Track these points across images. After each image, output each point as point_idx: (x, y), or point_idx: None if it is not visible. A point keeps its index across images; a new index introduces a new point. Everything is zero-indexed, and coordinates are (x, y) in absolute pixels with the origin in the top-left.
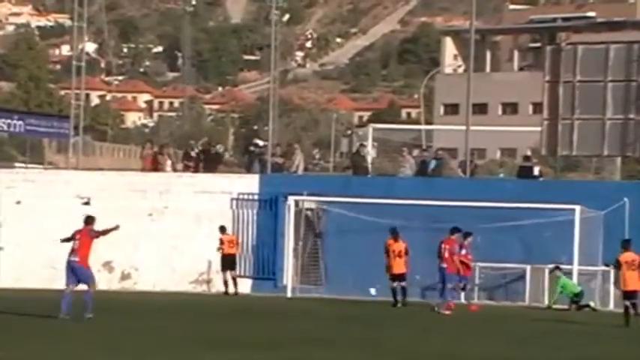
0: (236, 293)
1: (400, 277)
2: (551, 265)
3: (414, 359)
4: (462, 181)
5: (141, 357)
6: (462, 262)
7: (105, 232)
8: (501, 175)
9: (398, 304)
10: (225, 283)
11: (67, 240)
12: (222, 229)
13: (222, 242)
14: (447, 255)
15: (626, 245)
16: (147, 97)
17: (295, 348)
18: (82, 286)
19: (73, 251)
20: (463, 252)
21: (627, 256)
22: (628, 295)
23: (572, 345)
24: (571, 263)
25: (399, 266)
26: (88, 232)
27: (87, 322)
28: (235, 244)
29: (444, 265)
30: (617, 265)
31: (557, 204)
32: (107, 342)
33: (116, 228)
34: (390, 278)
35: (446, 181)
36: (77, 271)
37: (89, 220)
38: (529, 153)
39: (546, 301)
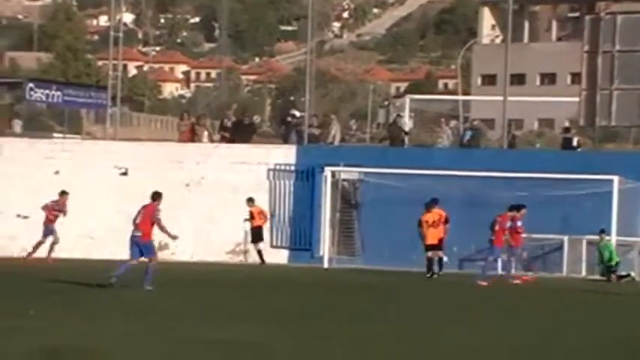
0: (262, 263)
1: (434, 247)
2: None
3: (445, 335)
4: (499, 151)
5: (178, 328)
6: (516, 233)
7: (163, 229)
8: (538, 146)
9: (434, 275)
10: (259, 252)
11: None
12: (250, 200)
13: (252, 215)
14: (497, 228)
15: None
16: (184, 67)
17: (329, 321)
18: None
19: (136, 226)
20: (519, 224)
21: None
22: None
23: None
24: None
25: (432, 236)
26: (152, 210)
27: (146, 294)
28: (264, 216)
29: (492, 238)
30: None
31: (595, 175)
32: (137, 311)
33: (174, 238)
34: (424, 249)
35: (483, 151)
36: (140, 246)
37: (155, 195)
38: (567, 124)
39: (584, 272)
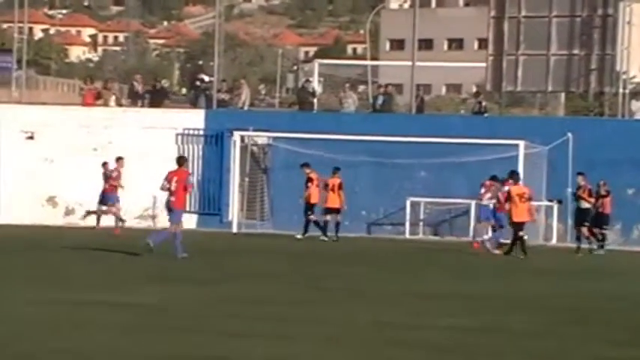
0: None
1: (333, 211)
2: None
3: (355, 293)
4: (408, 116)
5: (85, 292)
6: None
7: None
8: (462, 112)
9: (328, 239)
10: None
11: (167, 189)
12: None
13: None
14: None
15: (516, 178)
16: (91, 31)
17: (238, 283)
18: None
19: (170, 193)
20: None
21: (518, 189)
22: (518, 225)
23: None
24: None
25: (332, 200)
26: (185, 176)
27: (181, 261)
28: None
29: (497, 206)
30: (509, 197)
31: (501, 139)
32: (49, 277)
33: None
34: (323, 212)
35: (392, 116)
36: (169, 210)
37: (181, 160)
38: (475, 89)
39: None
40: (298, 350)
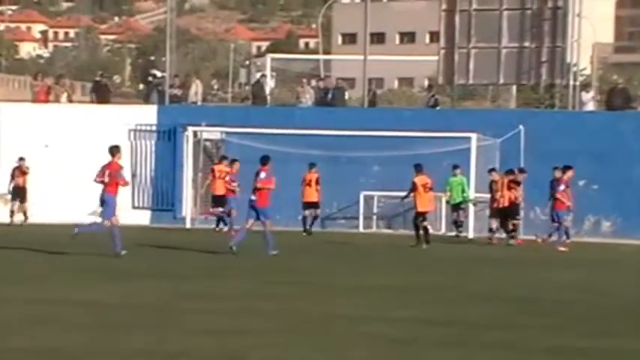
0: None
1: (313, 205)
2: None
3: (311, 287)
4: (361, 110)
5: (43, 289)
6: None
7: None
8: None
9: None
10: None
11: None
12: (21, 159)
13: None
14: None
15: (419, 169)
16: (41, 27)
17: (196, 278)
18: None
19: (253, 190)
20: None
21: (422, 179)
22: (422, 215)
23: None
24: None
25: (310, 194)
26: (268, 172)
27: (272, 258)
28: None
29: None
30: (414, 188)
31: (454, 132)
32: (6, 275)
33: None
34: (302, 206)
35: (345, 110)
36: (256, 209)
37: (265, 159)
38: (427, 82)
39: (444, 229)
40: (258, 344)
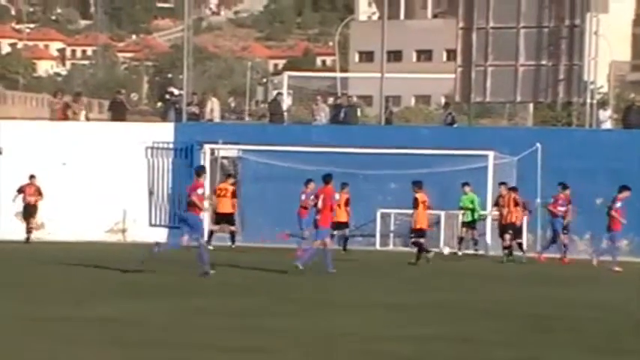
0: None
1: (343, 226)
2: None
3: (324, 304)
4: (377, 128)
5: (58, 306)
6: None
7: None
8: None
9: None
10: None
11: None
12: (31, 177)
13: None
14: (612, 213)
15: (419, 186)
16: (59, 45)
17: (211, 295)
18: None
19: (317, 211)
20: (618, 205)
21: (422, 196)
22: (421, 232)
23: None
24: (485, 208)
25: (340, 215)
26: (330, 193)
27: (328, 275)
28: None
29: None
30: (416, 205)
31: (471, 150)
32: (23, 291)
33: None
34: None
35: (361, 128)
36: (316, 228)
37: (328, 178)
38: (444, 100)
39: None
40: None
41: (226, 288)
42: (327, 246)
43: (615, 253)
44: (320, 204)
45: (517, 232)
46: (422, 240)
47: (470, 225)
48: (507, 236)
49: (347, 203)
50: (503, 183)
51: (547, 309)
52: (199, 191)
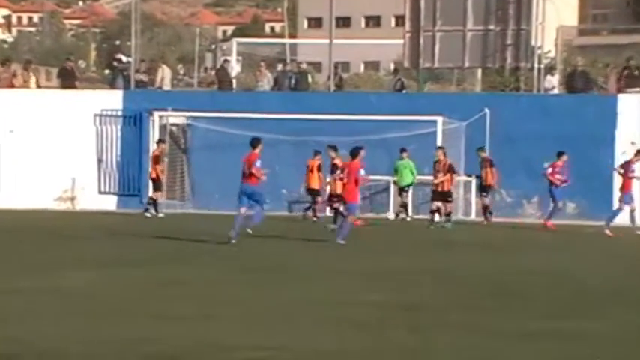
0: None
1: (315, 192)
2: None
3: (279, 271)
4: (327, 94)
5: (12, 277)
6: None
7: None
8: (427, 89)
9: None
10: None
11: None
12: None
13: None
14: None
15: (335, 149)
16: (5, 11)
17: (163, 264)
18: None
19: (343, 186)
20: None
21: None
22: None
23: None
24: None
25: (314, 182)
26: (356, 168)
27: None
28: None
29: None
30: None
31: (420, 116)
32: None
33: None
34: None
35: (311, 94)
36: (345, 202)
37: (355, 151)
38: (392, 66)
39: (410, 212)
40: (225, 330)
41: (177, 257)
42: (349, 220)
43: (614, 215)
44: (346, 177)
45: (446, 198)
46: (337, 205)
47: (405, 190)
48: (439, 203)
49: (319, 169)
50: (440, 147)
51: (499, 275)
52: (258, 163)
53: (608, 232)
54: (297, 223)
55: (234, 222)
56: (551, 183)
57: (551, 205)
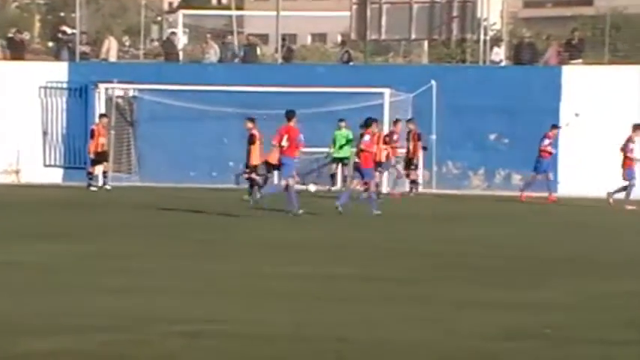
0: None
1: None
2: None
3: (213, 245)
4: (274, 67)
5: None
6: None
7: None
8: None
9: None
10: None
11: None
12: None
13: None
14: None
15: (253, 120)
16: None
17: (110, 237)
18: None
19: (357, 153)
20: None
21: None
22: (255, 168)
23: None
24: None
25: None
26: (378, 138)
27: (374, 217)
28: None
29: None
30: (252, 140)
31: (367, 88)
32: None
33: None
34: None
35: (258, 67)
36: (360, 171)
37: (370, 121)
38: (340, 38)
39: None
40: (161, 303)
41: (124, 230)
42: (372, 188)
43: (629, 191)
44: (363, 146)
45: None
46: (254, 176)
47: (342, 161)
48: (377, 174)
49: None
50: (374, 120)
51: (447, 246)
52: (301, 137)
53: (629, 207)
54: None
55: (289, 197)
56: (541, 155)
57: (531, 175)
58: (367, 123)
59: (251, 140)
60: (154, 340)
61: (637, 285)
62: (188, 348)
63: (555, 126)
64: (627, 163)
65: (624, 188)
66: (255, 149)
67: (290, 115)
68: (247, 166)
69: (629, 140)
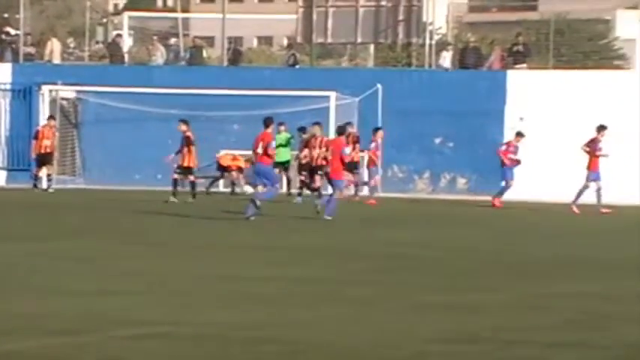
0: None
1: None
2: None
3: (179, 246)
4: (220, 69)
5: None
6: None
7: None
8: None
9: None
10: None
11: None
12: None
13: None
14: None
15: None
16: None
17: (57, 239)
18: None
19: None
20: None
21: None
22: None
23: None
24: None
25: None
26: (340, 146)
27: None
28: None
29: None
30: (189, 143)
31: (313, 91)
32: None
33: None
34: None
35: (204, 69)
36: (329, 181)
37: (341, 129)
38: (286, 41)
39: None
40: (125, 306)
41: (71, 232)
42: (337, 195)
43: (599, 194)
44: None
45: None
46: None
47: (283, 165)
48: (318, 177)
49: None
50: (317, 123)
51: (398, 249)
52: (273, 144)
53: (575, 209)
54: (199, 199)
55: (254, 199)
56: (502, 162)
57: (502, 183)
58: (341, 130)
59: (187, 142)
60: (96, 342)
61: (573, 286)
62: (129, 350)
63: (520, 134)
64: (593, 164)
65: (581, 193)
66: (192, 151)
67: (268, 121)
68: (179, 167)
69: (595, 141)
